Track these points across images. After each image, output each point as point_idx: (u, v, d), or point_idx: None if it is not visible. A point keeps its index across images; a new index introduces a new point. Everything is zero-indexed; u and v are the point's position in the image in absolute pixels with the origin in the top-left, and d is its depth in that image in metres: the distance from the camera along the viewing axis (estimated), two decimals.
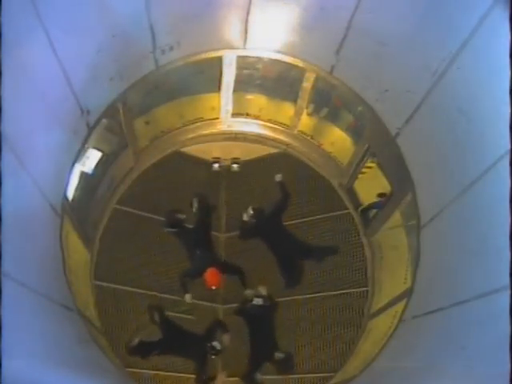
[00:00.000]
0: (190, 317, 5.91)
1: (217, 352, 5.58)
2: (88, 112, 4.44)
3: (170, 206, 6.23)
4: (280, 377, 5.90)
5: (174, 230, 5.97)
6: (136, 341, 5.56)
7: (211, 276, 5.64)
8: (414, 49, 3.85)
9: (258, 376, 5.73)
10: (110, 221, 5.99)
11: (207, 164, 6.57)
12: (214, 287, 5.71)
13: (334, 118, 6.01)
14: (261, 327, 5.76)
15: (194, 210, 6.06)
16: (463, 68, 3.44)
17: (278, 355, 5.69)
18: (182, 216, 6.00)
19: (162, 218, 6.16)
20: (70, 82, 3.89)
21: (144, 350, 5.59)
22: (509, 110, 2.60)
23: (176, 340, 5.69)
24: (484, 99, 3.27)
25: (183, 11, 4.37)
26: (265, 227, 6.06)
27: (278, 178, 6.14)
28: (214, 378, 5.81)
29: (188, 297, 5.85)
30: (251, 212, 5.97)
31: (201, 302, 6.05)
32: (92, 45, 3.99)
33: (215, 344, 5.56)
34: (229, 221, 6.45)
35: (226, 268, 5.90)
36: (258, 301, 5.70)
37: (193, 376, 5.87)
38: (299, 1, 4.31)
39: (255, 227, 6.04)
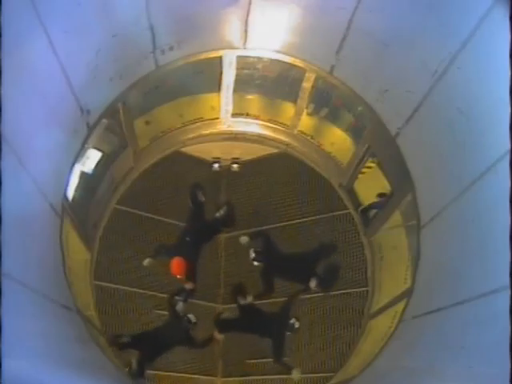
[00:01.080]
0: (190, 317, 5.90)
1: (193, 324, 5.69)
2: (88, 112, 4.44)
3: (170, 206, 6.25)
4: (280, 377, 5.92)
5: (192, 206, 6.09)
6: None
7: (176, 265, 5.64)
8: (414, 49, 3.85)
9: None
10: (109, 221, 6.00)
11: (207, 164, 6.57)
12: (177, 276, 5.70)
13: (334, 117, 6.01)
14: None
15: (218, 215, 6.21)
16: (463, 68, 3.44)
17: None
18: (202, 198, 6.16)
19: (162, 218, 6.17)
20: (70, 82, 3.90)
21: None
22: (509, 110, 2.60)
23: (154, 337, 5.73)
24: (484, 99, 3.27)
25: (183, 11, 4.37)
26: (273, 263, 6.13)
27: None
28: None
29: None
30: (253, 254, 6.03)
31: (201, 302, 6.05)
32: (92, 45, 3.99)
33: (190, 317, 5.68)
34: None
35: (191, 272, 5.84)
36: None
37: (193, 376, 5.89)
38: (299, 1, 4.31)
39: (268, 270, 6.07)
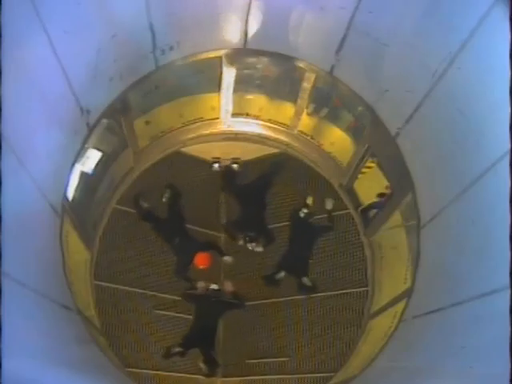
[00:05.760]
0: (190, 317, 5.91)
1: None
2: (88, 112, 4.44)
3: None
4: (280, 377, 5.92)
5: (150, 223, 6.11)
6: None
7: (201, 259, 5.80)
8: (414, 49, 3.85)
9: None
10: (109, 221, 6.00)
11: (207, 164, 6.57)
12: (202, 266, 5.85)
13: (334, 118, 6.00)
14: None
15: (165, 199, 6.23)
16: (463, 68, 3.44)
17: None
18: (144, 204, 6.14)
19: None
20: (70, 82, 3.90)
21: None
22: (509, 110, 2.60)
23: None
24: (484, 99, 3.27)
25: (183, 11, 4.37)
26: None
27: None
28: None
29: (200, 284, 5.91)
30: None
31: None
32: (92, 45, 3.99)
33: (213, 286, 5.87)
34: (229, 221, 6.44)
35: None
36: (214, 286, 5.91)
37: (193, 376, 5.89)
38: (299, 1, 4.31)
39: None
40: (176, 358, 5.80)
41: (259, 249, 6.15)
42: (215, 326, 5.78)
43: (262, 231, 6.25)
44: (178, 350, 5.72)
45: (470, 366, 3.06)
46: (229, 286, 5.92)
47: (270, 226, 6.32)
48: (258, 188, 6.34)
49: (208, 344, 5.76)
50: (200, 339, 5.76)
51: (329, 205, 6.20)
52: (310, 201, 6.25)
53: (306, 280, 6.02)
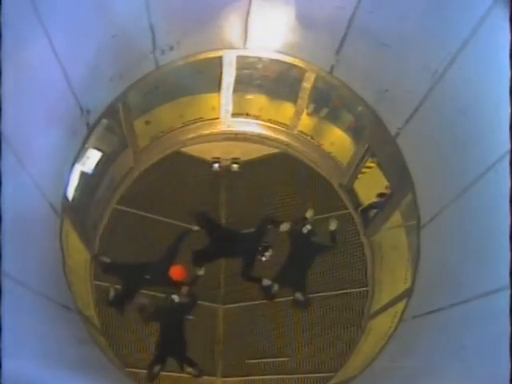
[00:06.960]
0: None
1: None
2: (88, 112, 4.44)
3: (170, 206, 6.26)
4: (280, 377, 5.92)
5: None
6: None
7: (176, 272, 5.66)
8: (414, 49, 3.85)
9: None
10: (109, 221, 6.00)
11: (207, 164, 6.58)
12: (179, 280, 5.71)
13: (333, 118, 6.01)
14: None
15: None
16: (463, 68, 3.44)
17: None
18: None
19: (162, 218, 6.18)
20: (70, 82, 3.89)
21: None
22: (509, 110, 2.60)
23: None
24: (484, 99, 3.27)
25: (183, 11, 4.37)
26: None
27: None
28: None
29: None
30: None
31: (201, 302, 6.05)
32: (92, 45, 3.99)
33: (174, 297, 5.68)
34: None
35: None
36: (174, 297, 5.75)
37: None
38: (299, 1, 4.31)
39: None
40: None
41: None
42: (181, 330, 5.67)
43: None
44: (158, 368, 5.59)
45: (470, 365, 3.06)
46: (185, 290, 5.74)
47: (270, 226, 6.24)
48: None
49: (181, 349, 5.67)
50: (170, 348, 5.67)
51: (333, 225, 5.91)
52: (309, 214, 6.04)
53: (298, 295, 5.89)
